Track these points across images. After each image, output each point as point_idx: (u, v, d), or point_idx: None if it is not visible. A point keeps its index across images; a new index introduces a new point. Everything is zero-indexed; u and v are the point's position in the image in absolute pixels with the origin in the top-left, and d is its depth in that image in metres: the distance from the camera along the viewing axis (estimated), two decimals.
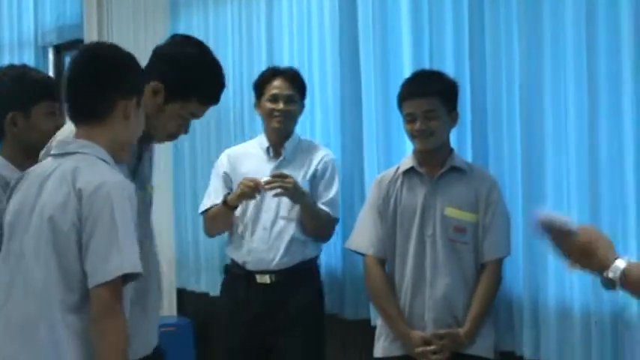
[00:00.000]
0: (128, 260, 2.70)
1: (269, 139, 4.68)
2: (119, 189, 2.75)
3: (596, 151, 3.69)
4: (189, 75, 3.21)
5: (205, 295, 6.03)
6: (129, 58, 2.96)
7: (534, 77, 3.91)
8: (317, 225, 4.56)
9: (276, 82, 4.63)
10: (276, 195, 4.44)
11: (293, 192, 4.42)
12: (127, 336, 2.71)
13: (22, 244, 2.83)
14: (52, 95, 3.46)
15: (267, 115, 4.64)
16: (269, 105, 4.62)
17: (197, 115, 3.36)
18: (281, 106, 4.60)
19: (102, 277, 2.68)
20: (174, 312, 6.49)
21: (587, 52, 3.70)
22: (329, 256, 4.98)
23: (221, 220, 4.65)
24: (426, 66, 4.34)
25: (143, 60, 3.07)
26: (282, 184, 4.39)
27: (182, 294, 6.48)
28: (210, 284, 5.97)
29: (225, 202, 4.56)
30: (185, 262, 6.34)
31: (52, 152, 2.95)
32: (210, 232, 4.85)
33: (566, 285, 3.83)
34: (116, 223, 2.70)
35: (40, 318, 2.75)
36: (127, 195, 2.76)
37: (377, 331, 4.15)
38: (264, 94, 4.64)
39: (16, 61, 8.11)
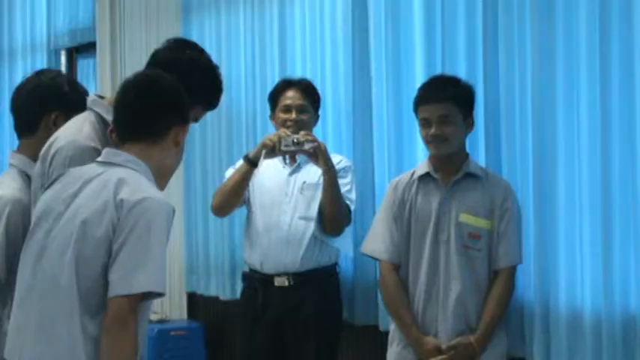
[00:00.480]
0: (154, 279, 2.69)
1: None
2: (161, 207, 2.76)
3: (609, 156, 3.67)
4: (191, 81, 3.18)
5: (215, 298, 6.02)
6: (182, 89, 3.00)
7: (547, 81, 3.90)
8: (336, 209, 4.52)
9: (289, 93, 4.68)
10: (309, 149, 4.41)
11: (323, 151, 4.44)
12: (137, 350, 2.70)
13: (47, 237, 2.83)
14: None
15: (281, 126, 4.64)
16: (282, 115, 4.66)
17: (198, 119, 3.35)
18: (293, 116, 4.63)
19: (125, 289, 2.67)
20: (184, 316, 6.49)
21: (600, 56, 3.69)
22: (340, 261, 4.97)
23: (237, 182, 4.59)
24: (438, 71, 4.33)
25: None
26: (310, 137, 4.43)
27: (192, 298, 6.48)
28: (220, 288, 5.96)
29: (247, 156, 4.54)
30: (195, 266, 6.33)
31: (98, 159, 2.94)
32: (221, 204, 4.74)
33: (577, 292, 3.81)
34: (150, 239, 2.70)
35: (61, 319, 2.74)
36: (166, 215, 2.77)
37: (390, 336, 4.14)
38: (278, 105, 4.69)
39: (29, 65, 8.20)
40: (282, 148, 4.41)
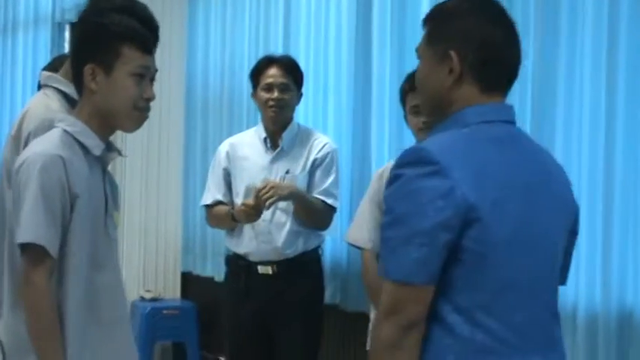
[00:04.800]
0: (26, 232, 2.67)
1: (266, 129, 4.61)
2: (35, 160, 2.71)
3: (611, 149, 3.68)
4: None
5: (210, 279, 6.05)
6: (91, 27, 2.89)
7: (548, 77, 3.90)
8: (311, 217, 4.53)
9: (271, 71, 4.55)
10: (269, 205, 4.35)
11: (282, 194, 4.35)
12: (48, 304, 2.69)
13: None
14: None
15: (263, 105, 4.57)
16: (264, 94, 4.55)
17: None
18: (275, 94, 4.51)
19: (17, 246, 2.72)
20: (178, 295, 6.52)
21: (607, 55, 3.69)
22: (335, 246, 4.99)
23: (225, 224, 4.64)
24: None
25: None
26: (276, 193, 4.32)
27: (187, 278, 6.50)
28: (215, 269, 5.99)
29: (233, 216, 4.51)
30: (192, 246, 6.36)
31: None
32: (214, 227, 4.88)
33: (572, 288, 3.81)
34: (25, 196, 2.69)
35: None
36: (41, 167, 2.69)
37: (370, 325, 4.13)
38: (259, 84, 4.58)
39: (31, 38, 8.18)
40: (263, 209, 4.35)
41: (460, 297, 2.14)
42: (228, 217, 4.54)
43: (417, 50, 2.39)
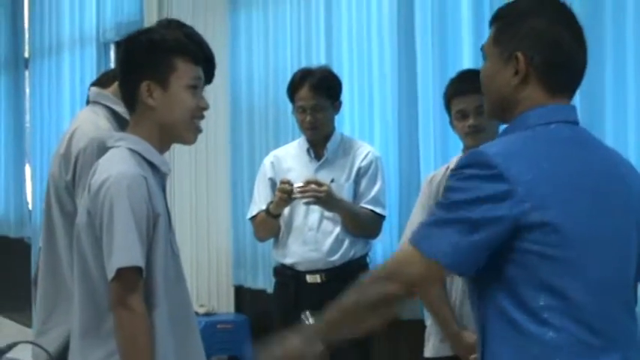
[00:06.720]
0: (121, 257, 2.67)
1: (309, 141, 4.66)
2: (120, 182, 2.71)
3: None
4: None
5: (262, 292, 6.03)
6: (145, 44, 2.92)
7: (595, 78, 3.86)
8: (358, 226, 4.54)
9: (302, 92, 4.58)
10: (307, 203, 4.44)
11: (325, 200, 4.39)
12: (146, 329, 2.69)
13: None
14: None
15: (299, 125, 4.64)
16: (299, 115, 4.61)
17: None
18: (308, 117, 4.56)
19: (109, 276, 2.69)
20: (231, 309, 6.52)
21: None
22: (385, 254, 4.96)
23: (268, 227, 4.66)
24: None
25: None
26: (315, 193, 4.37)
27: (239, 291, 6.50)
28: (267, 281, 5.97)
29: (268, 210, 4.56)
30: (242, 259, 6.35)
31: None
32: (260, 238, 4.88)
33: None
34: (114, 220, 2.68)
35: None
36: (126, 188, 2.69)
37: (427, 332, 4.11)
38: (295, 103, 4.63)
39: (78, 58, 8.26)
40: (295, 196, 4.40)
41: (529, 298, 2.15)
42: (266, 216, 4.57)
43: (483, 49, 2.39)
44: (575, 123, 2.30)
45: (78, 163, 3.34)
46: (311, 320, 2.47)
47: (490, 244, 2.13)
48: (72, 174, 3.35)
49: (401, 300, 2.32)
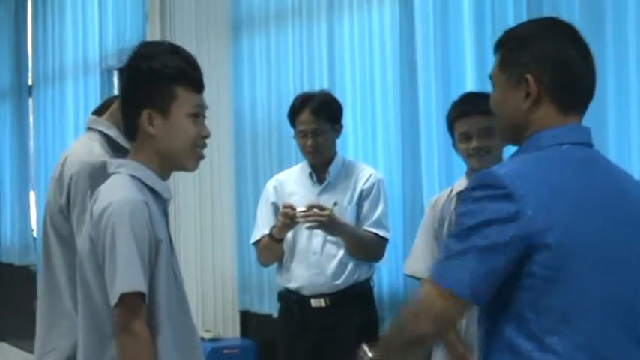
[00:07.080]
0: (124, 281, 2.66)
1: (310, 165, 4.68)
2: (122, 208, 2.71)
3: None
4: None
5: (269, 316, 6.02)
6: (145, 73, 2.91)
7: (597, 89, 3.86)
8: (361, 250, 4.54)
9: (303, 117, 4.59)
10: (309, 228, 4.44)
11: (328, 225, 4.40)
12: (149, 355, 2.69)
13: None
14: None
15: (301, 149, 4.66)
16: (300, 140, 4.63)
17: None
18: (309, 142, 4.57)
19: (112, 302, 2.69)
20: (237, 334, 6.51)
21: None
22: (391, 278, 4.96)
23: (271, 251, 4.66)
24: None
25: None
26: (317, 218, 4.37)
27: (245, 316, 6.49)
28: (273, 306, 5.94)
29: (271, 235, 4.56)
30: (248, 284, 6.35)
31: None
32: (263, 263, 4.88)
33: None
34: (116, 246, 2.68)
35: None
36: (129, 214, 2.69)
37: (432, 355, 4.10)
38: (296, 127, 4.64)
39: (81, 85, 8.29)
40: (297, 220, 4.41)
41: (533, 323, 2.16)
42: (269, 240, 4.58)
43: (491, 77, 2.41)
44: (589, 145, 2.31)
45: (71, 186, 3.38)
46: (370, 354, 2.47)
47: (505, 267, 2.14)
48: (66, 197, 3.39)
49: (433, 338, 2.33)
